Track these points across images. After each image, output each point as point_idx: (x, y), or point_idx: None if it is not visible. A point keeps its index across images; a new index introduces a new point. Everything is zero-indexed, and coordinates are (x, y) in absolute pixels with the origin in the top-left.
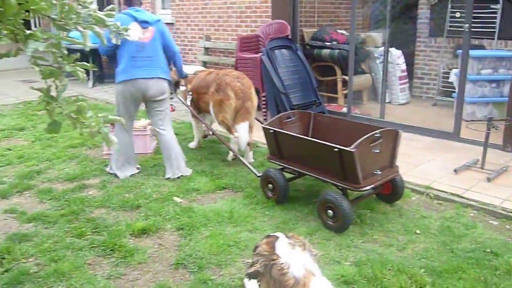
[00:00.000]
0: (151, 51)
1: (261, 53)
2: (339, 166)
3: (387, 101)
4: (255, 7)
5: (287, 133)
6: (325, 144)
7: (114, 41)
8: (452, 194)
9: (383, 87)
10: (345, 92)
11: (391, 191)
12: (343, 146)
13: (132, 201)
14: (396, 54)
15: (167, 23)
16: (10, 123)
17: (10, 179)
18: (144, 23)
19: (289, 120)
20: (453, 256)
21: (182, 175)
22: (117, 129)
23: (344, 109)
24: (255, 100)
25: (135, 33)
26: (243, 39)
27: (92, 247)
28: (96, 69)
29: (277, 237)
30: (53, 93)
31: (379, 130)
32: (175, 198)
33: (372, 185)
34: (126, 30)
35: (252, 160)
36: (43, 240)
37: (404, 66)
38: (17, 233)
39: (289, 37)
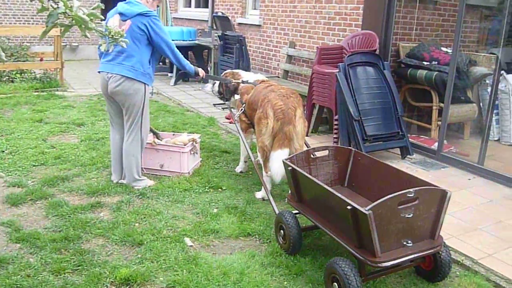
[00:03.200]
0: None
1: (337, 69)
2: (354, 229)
3: (495, 138)
4: (345, 14)
5: (303, 173)
6: (339, 197)
7: (103, 48)
8: None
9: (487, 122)
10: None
11: (433, 267)
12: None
13: (137, 235)
14: None
15: (254, 25)
16: (73, 117)
17: (34, 182)
18: (122, 16)
19: (320, 156)
20: None
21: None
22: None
23: (436, 145)
24: (299, 124)
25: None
26: (323, 50)
27: None
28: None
29: None
30: None
31: (415, 189)
32: (186, 240)
33: (397, 261)
34: (122, 35)
35: None
36: (15, 271)
37: None
38: None
39: (377, 51)
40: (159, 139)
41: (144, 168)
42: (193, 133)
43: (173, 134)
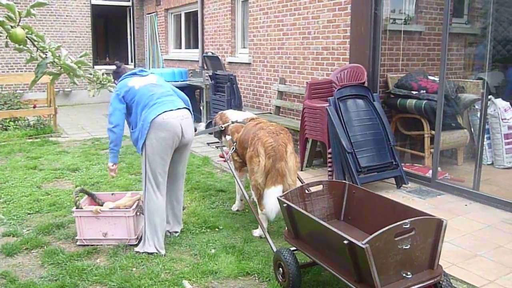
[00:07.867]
0: (163, 87)
1: (328, 103)
2: (352, 263)
3: (489, 162)
4: (333, 48)
5: (299, 210)
6: (335, 231)
7: (91, 93)
8: None
9: (480, 147)
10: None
11: None
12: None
13: (135, 280)
14: (503, 107)
15: (244, 63)
16: (68, 162)
17: (29, 231)
18: (142, 71)
19: (314, 191)
20: None
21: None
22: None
23: (430, 172)
24: (291, 160)
25: (138, 83)
26: (313, 85)
27: None
28: None
29: None
30: None
31: (410, 220)
32: (184, 282)
33: None
34: (109, 80)
35: None
36: None
37: None
38: None
39: (365, 84)
40: (96, 202)
41: (84, 239)
42: (188, 173)
43: (112, 194)
